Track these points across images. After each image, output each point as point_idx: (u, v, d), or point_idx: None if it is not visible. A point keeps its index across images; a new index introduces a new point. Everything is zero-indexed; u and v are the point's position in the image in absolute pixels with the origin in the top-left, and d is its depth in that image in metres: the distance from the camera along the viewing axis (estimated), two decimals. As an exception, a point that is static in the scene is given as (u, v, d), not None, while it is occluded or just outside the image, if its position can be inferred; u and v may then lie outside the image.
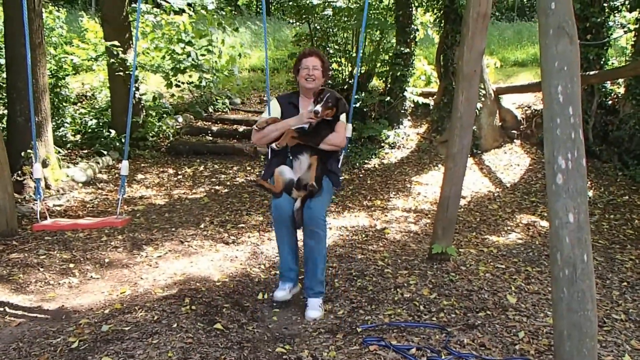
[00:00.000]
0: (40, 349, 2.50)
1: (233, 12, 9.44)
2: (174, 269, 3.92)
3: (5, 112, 6.05)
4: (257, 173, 7.04)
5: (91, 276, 3.78)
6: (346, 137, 3.27)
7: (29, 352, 2.48)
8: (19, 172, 5.64)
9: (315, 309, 3.10)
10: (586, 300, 2.16)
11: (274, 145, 3.15)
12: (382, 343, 2.65)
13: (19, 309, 3.16)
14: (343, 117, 3.28)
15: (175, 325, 2.73)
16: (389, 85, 8.20)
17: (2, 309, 3.12)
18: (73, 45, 9.20)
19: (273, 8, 17.00)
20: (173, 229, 4.92)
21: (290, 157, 3.21)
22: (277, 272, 3.75)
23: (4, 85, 6.17)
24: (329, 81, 7.78)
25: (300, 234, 3.22)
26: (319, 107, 3.07)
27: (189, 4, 8.60)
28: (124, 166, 3.37)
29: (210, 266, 4.02)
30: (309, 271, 3.16)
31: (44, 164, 5.91)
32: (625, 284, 3.77)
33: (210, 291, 3.40)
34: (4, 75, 6.39)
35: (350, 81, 7.90)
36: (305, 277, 3.19)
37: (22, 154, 5.66)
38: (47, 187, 5.93)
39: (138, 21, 3.58)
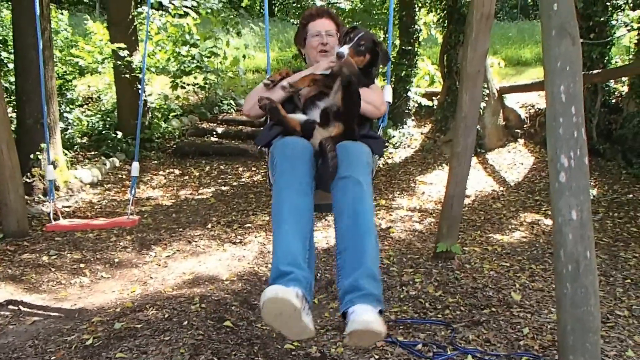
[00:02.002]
0: (56, 346, 2.57)
1: (237, 14, 9.50)
2: (182, 269, 3.99)
3: (14, 115, 6.11)
4: (263, 173, 7.10)
5: (102, 276, 3.85)
6: (386, 102, 2.35)
7: (45, 349, 2.55)
8: (28, 174, 5.72)
9: (369, 312, 1.59)
10: (589, 296, 2.20)
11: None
12: (389, 339, 2.70)
13: (33, 307, 3.24)
14: (377, 82, 2.33)
15: (185, 322, 2.79)
16: (393, 85, 8.24)
17: (16, 308, 3.19)
18: (78, 48, 9.30)
19: (277, 9, 17.07)
20: (180, 229, 4.99)
21: (302, 112, 2.15)
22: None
23: (13, 89, 6.25)
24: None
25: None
26: (345, 48, 2.04)
27: (193, 7, 8.68)
28: (135, 167, 3.44)
29: (218, 265, 4.08)
30: (352, 256, 1.72)
31: (54, 166, 5.98)
32: (628, 281, 3.80)
33: (219, 290, 3.46)
34: (11, 78, 6.48)
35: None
36: (343, 275, 1.70)
37: (31, 156, 5.74)
38: (56, 188, 6.00)
39: (148, 25, 3.64)
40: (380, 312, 1.63)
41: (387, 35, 8.29)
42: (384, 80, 2.34)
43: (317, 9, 2.43)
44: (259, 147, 2.15)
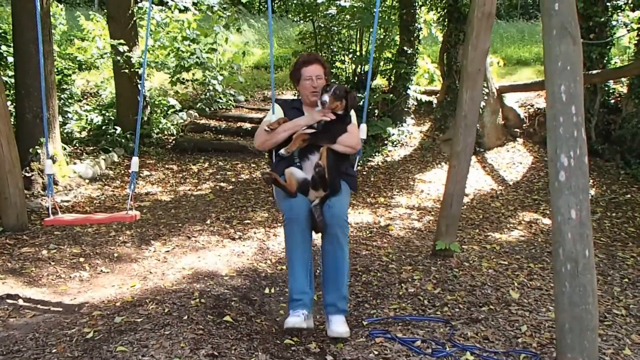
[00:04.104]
0: (57, 339, 2.58)
1: (237, 11, 9.49)
2: (182, 264, 4.00)
3: (13, 109, 6.10)
4: (262, 169, 7.11)
5: (101, 270, 3.86)
6: (361, 139, 3.03)
7: (46, 342, 2.55)
8: (27, 168, 5.71)
9: (340, 324, 2.70)
10: (587, 294, 2.22)
11: (282, 151, 2.86)
12: (388, 335, 2.71)
13: (33, 301, 3.24)
14: (354, 118, 3.03)
15: (185, 317, 2.80)
16: (392, 84, 8.26)
17: (16, 301, 3.20)
18: (74, 44, 9.29)
19: (276, 6, 17.06)
20: (180, 225, 4.99)
21: (298, 161, 2.90)
22: (284, 267, 3.82)
23: (12, 83, 6.24)
24: (333, 79, 7.84)
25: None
26: (326, 97, 2.82)
27: (193, 3, 8.68)
28: (134, 162, 3.43)
29: (218, 261, 4.09)
30: (331, 285, 2.74)
31: (52, 161, 5.98)
32: (626, 280, 3.83)
33: (218, 285, 3.47)
34: (11, 73, 6.47)
35: (354, 79, 7.97)
36: (325, 293, 2.77)
37: (30, 150, 5.74)
38: (55, 183, 5.99)
39: (149, 21, 3.65)
40: (345, 312, 2.76)
41: (388, 33, 8.17)
42: (360, 119, 3.14)
43: (309, 55, 3.10)
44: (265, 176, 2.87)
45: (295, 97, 3.19)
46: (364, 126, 3.10)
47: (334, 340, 2.70)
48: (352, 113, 3.02)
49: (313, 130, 2.89)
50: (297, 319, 2.61)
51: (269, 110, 3.19)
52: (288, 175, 2.81)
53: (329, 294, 2.74)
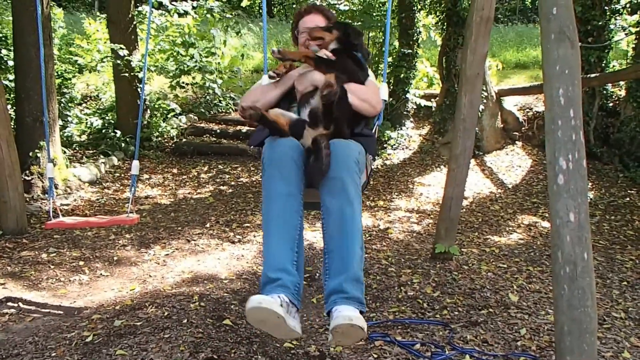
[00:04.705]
0: (56, 343, 2.58)
1: (236, 15, 9.52)
2: (181, 267, 4.00)
3: (13, 112, 6.11)
4: (261, 174, 7.11)
5: (101, 274, 3.86)
6: (382, 101, 2.28)
7: (45, 346, 2.56)
8: (27, 171, 5.71)
9: (354, 312, 1.72)
10: (586, 297, 2.22)
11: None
12: (388, 339, 2.72)
13: (32, 304, 3.24)
14: (372, 76, 2.33)
15: (185, 320, 2.81)
16: (391, 87, 8.27)
17: (16, 305, 3.20)
18: (74, 47, 9.30)
19: (275, 10, 17.10)
20: (179, 228, 5.00)
21: (297, 108, 2.19)
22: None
23: (12, 86, 6.25)
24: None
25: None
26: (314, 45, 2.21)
27: (193, 7, 8.71)
28: (135, 165, 3.45)
29: (217, 264, 4.09)
30: (336, 261, 1.81)
31: (52, 164, 5.99)
32: (625, 283, 3.83)
33: (218, 288, 3.47)
34: (11, 76, 6.48)
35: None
36: (328, 277, 1.82)
37: (30, 154, 5.74)
38: (55, 186, 5.99)
39: (149, 25, 3.66)
40: (362, 312, 1.73)
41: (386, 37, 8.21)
42: (380, 79, 2.49)
43: (307, 6, 2.46)
44: (251, 147, 2.17)
45: None
46: (385, 85, 2.39)
47: (353, 334, 1.74)
48: (370, 72, 2.34)
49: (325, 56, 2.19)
50: (266, 298, 1.66)
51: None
52: (275, 114, 2.06)
53: (333, 276, 1.80)
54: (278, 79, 2.23)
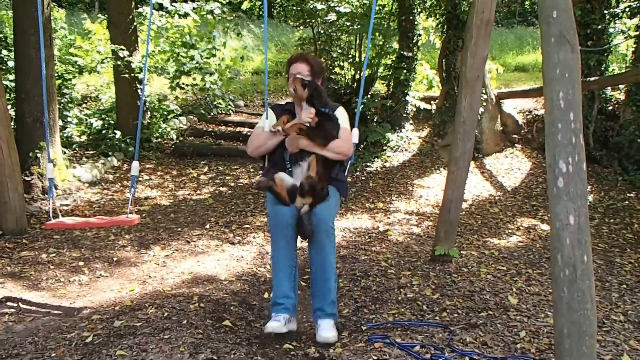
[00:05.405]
0: (56, 343, 2.58)
1: (237, 16, 9.54)
2: (181, 268, 4.00)
3: (13, 113, 6.11)
4: (260, 174, 7.11)
5: (100, 274, 3.86)
6: (353, 144, 2.99)
7: (45, 346, 2.55)
8: (27, 172, 5.72)
9: (329, 329, 2.72)
10: (586, 300, 2.23)
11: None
12: (387, 340, 2.72)
13: (32, 305, 3.24)
14: (346, 122, 2.99)
15: (185, 321, 2.80)
16: (391, 89, 8.29)
17: (15, 305, 3.20)
18: (76, 47, 9.30)
19: (275, 12, 17.12)
20: (179, 229, 5.00)
21: (289, 167, 2.92)
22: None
23: (12, 87, 6.25)
24: (332, 85, 7.88)
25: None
26: (300, 89, 2.88)
27: (193, 8, 8.72)
28: (134, 166, 3.45)
29: (217, 265, 4.09)
30: (319, 291, 2.78)
31: (52, 165, 5.99)
32: (624, 286, 3.84)
33: (217, 290, 3.48)
34: (11, 77, 6.48)
35: (353, 85, 8.00)
36: (313, 298, 2.83)
37: (30, 154, 5.74)
38: (55, 187, 5.99)
39: (150, 26, 3.67)
40: (335, 321, 2.78)
41: (387, 40, 8.23)
42: (354, 120, 3.10)
43: (296, 55, 3.11)
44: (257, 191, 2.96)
45: (291, 100, 3.15)
46: (355, 131, 3.05)
47: (327, 345, 2.68)
48: (344, 115, 3.01)
49: (309, 124, 2.87)
50: (276, 324, 2.65)
51: (261, 119, 3.12)
52: (278, 180, 2.83)
53: (317, 299, 2.78)
54: (277, 133, 2.91)
